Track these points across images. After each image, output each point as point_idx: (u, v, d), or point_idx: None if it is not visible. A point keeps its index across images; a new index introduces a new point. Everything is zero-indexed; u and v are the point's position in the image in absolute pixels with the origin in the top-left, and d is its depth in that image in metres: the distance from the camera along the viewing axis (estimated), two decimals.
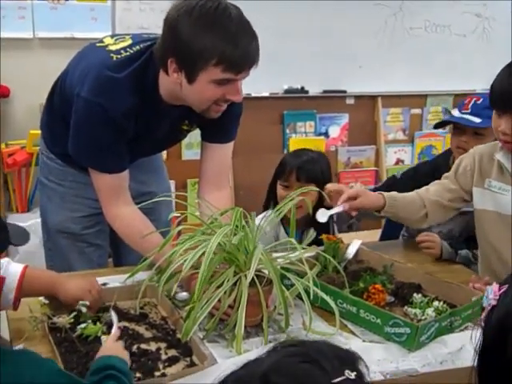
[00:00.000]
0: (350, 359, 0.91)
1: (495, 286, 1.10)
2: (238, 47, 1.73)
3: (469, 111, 2.38)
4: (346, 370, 0.87)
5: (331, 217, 2.19)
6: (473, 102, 2.41)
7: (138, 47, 1.91)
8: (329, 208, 2.13)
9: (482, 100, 2.38)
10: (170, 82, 1.84)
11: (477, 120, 2.34)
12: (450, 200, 2.16)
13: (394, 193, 2.17)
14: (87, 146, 1.92)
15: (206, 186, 2.12)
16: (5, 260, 1.59)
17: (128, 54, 1.89)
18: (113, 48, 1.92)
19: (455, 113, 2.49)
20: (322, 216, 2.10)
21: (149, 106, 1.91)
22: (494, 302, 1.08)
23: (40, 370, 1.22)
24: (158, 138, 2.06)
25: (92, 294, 1.72)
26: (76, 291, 1.70)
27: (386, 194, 2.14)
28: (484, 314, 1.10)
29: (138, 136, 1.95)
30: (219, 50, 1.72)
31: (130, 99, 1.86)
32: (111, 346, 1.49)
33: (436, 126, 2.62)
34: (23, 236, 1.41)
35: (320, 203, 2.29)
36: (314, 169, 2.45)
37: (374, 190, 2.38)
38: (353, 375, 0.86)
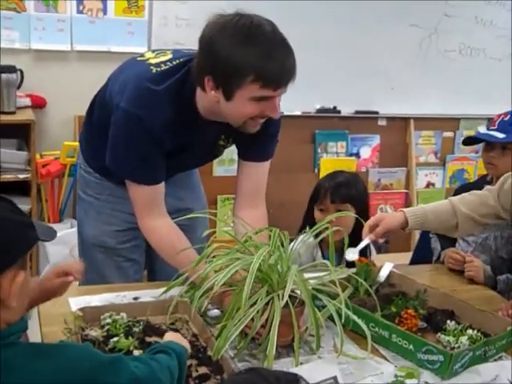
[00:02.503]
0: (293, 378, 1.09)
1: None
2: (274, 63, 1.72)
3: (495, 128, 2.45)
4: None
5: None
6: (500, 119, 2.47)
7: (177, 61, 1.92)
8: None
9: (509, 117, 2.44)
10: (208, 100, 1.84)
11: (501, 135, 2.40)
12: (482, 215, 2.09)
13: (421, 206, 2.15)
14: (124, 157, 1.92)
15: (242, 203, 2.11)
16: None
17: (167, 67, 1.90)
18: (153, 61, 1.93)
19: (482, 130, 2.52)
20: (353, 254, 2.05)
21: (186, 119, 1.91)
22: None
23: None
24: (195, 153, 2.06)
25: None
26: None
27: (407, 209, 2.10)
28: None
29: (175, 149, 1.95)
30: (256, 67, 1.71)
31: (168, 112, 1.86)
32: (172, 336, 1.56)
33: (464, 142, 2.69)
34: (50, 233, 1.43)
35: (358, 223, 2.19)
36: (347, 189, 2.43)
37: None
38: None
